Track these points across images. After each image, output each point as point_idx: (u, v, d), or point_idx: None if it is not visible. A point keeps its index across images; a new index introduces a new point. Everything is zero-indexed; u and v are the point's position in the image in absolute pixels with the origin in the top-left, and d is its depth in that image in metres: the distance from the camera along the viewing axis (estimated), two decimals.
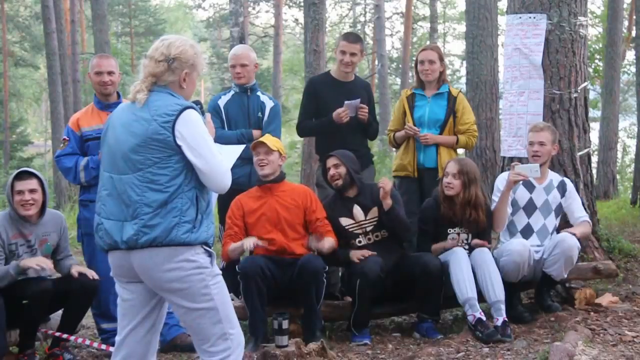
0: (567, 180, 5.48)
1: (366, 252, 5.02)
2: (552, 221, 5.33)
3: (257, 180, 5.05)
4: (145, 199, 3.07)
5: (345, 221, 5.15)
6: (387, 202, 5.01)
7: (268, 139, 5.01)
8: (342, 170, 5.13)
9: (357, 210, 5.15)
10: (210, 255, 3.17)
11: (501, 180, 5.32)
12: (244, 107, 5.54)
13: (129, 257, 3.14)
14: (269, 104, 5.57)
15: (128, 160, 3.11)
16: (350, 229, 5.15)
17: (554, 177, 5.42)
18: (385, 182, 5.02)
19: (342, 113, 5.47)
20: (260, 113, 5.52)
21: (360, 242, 5.14)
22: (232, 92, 5.61)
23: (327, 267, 4.93)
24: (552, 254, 5.07)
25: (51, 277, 4.78)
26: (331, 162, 5.18)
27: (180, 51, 3.19)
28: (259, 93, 5.62)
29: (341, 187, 5.15)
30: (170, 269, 3.08)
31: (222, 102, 5.54)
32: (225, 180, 3.15)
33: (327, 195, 5.51)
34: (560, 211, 5.38)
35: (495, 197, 5.29)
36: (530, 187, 5.30)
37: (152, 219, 3.06)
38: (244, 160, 5.33)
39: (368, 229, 5.14)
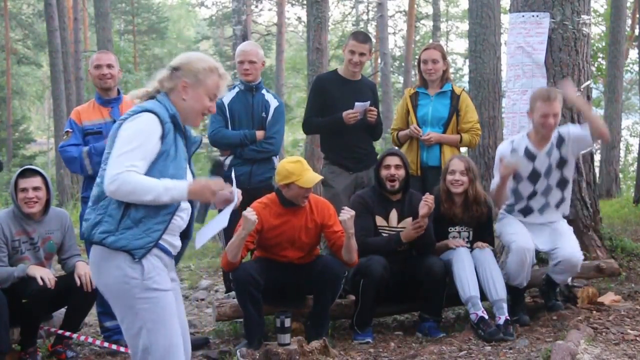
0: (563, 130, 5.13)
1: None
2: (555, 177, 5.14)
3: (284, 201, 4.80)
4: (92, 192, 3.09)
5: (379, 220, 5.14)
6: (425, 221, 4.95)
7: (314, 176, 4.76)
8: (402, 173, 5.10)
9: (394, 215, 5.14)
10: (142, 265, 2.96)
11: (500, 153, 5.16)
12: (248, 106, 5.50)
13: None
14: (273, 104, 5.53)
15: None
16: (381, 230, 5.14)
17: (554, 137, 5.15)
18: (432, 200, 4.93)
19: (352, 114, 5.47)
20: (264, 113, 5.48)
21: None
22: (236, 90, 5.55)
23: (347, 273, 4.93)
24: (559, 266, 5.06)
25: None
26: (394, 161, 5.10)
27: (187, 62, 3.12)
28: (264, 91, 5.59)
29: (394, 190, 5.11)
30: (98, 270, 3.01)
31: (226, 100, 5.47)
32: (105, 186, 2.90)
33: (334, 195, 5.51)
34: (565, 162, 5.13)
35: (496, 172, 5.12)
36: (531, 156, 5.12)
37: (88, 212, 3.05)
38: (245, 160, 5.36)
39: None
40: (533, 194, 5.18)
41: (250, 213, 4.55)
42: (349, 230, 4.64)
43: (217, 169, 3.44)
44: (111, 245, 2.93)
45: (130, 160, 2.89)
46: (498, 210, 5.38)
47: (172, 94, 3.11)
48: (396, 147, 5.45)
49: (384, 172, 5.10)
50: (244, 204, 5.61)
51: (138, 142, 2.92)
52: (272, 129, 5.46)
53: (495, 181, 5.12)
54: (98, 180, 3.03)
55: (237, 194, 3.20)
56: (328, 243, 4.94)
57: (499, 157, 5.09)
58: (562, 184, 5.18)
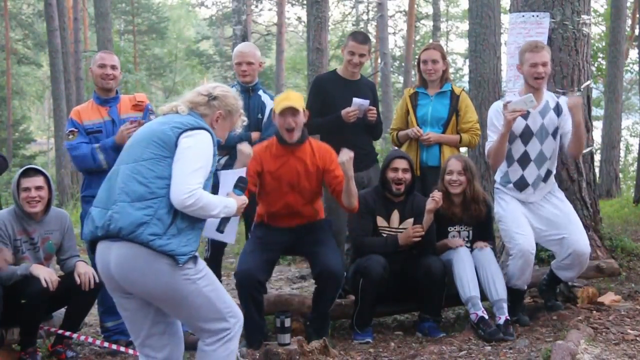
0: (563, 101, 5.06)
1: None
2: (550, 145, 5.04)
3: (280, 139, 4.80)
4: (126, 187, 3.14)
5: (380, 221, 5.14)
6: (430, 217, 4.99)
7: (294, 99, 4.76)
8: (409, 177, 5.09)
9: (395, 216, 5.13)
10: (195, 257, 3.20)
11: (494, 111, 5.08)
12: (245, 107, 5.41)
13: (108, 254, 3.15)
14: (269, 105, 5.52)
15: (130, 152, 3.25)
16: (381, 231, 5.14)
17: (550, 98, 5.09)
18: (440, 197, 4.96)
19: (352, 112, 5.47)
20: (260, 114, 5.51)
21: None
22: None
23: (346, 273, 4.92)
24: (567, 260, 5.04)
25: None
26: (402, 164, 5.09)
27: (224, 95, 3.41)
28: (260, 92, 5.61)
29: (398, 194, 5.10)
30: (145, 271, 3.09)
31: None
32: (181, 199, 3.07)
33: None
34: (557, 132, 5.05)
35: (491, 132, 5.05)
36: (525, 113, 4.99)
37: (125, 207, 3.09)
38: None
39: None
40: (526, 159, 5.03)
41: (244, 146, 4.52)
42: (347, 173, 4.58)
43: (243, 185, 3.64)
44: (158, 248, 3.06)
45: (200, 178, 3.13)
46: (493, 171, 5.30)
47: (205, 119, 3.34)
48: (402, 150, 5.44)
49: (391, 175, 5.09)
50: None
51: (204, 162, 3.18)
52: (267, 130, 5.46)
53: (491, 140, 5.01)
54: (140, 179, 3.12)
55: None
56: (329, 189, 4.86)
57: (494, 113, 5.03)
58: (554, 157, 5.10)
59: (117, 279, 3.17)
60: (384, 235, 5.11)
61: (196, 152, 3.16)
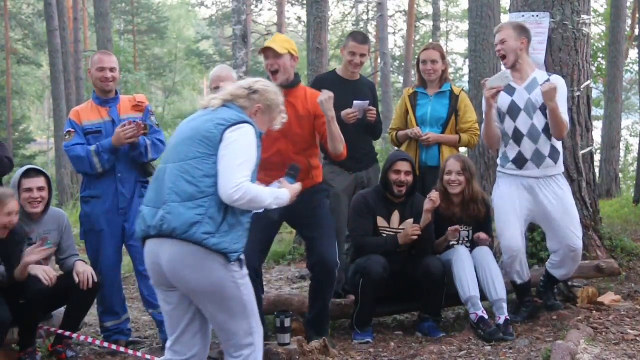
0: (555, 78, 5.04)
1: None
2: (541, 120, 4.95)
3: (269, 79, 4.70)
4: (176, 187, 3.19)
5: (380, 221, 5.13)
6: (428, 217, 4.99)
7: (275, 41, 4.73)
8: (411, 179, 5.08)
9: (396, 216, 5.13)
10: (241, 260, 3.27)
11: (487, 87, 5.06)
12: None
13: (159, 250, 3.22)
14: None
15: (176, 150, 3.29)
16: (382, 231, 5.14)
17: (539, 75, 5.04)
18: (437, 198, 4.97)
19: (351, 114, 5.47)
20: None
21: None
22: None
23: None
24: (556, 258, 5.05)
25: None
26: (405, 167, 5.07)
27: (265, 89, 3.45)
28: None
29: (400, 195, 5.09)
30: (196, 268, 3.16)
31: None
32: (228, 193, 3.13)
33: (335, 194, 5.51)
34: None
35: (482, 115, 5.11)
36: (510, 90, 5.01)
37: (177, 207, 3.15)
38: None
39: None
40: (519, 135, 4.98)
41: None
42: (328, 113, 4.53)
43: (294, 173, 3.70)
44: (212, 246, 3.13)
45: (246, 171, 3.18)
46: (495, 154, 5.29)
47: (244, 111, 3.38)
48: (403, 151, 5.43)
49: (393, 177, 5.07)
50: None
51: (249, 154, 3.23)
52: None
53: (484, 124, 5.05)
54: (189, 178, 3.17)
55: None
56: (319, 137, 4.81)
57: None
58: (548, 134, 4.99)
59: (168, 275, 3.23)
60: (384, 235, 5.11)
61: (240, 146, 3.21)
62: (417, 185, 5.29)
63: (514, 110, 4.98)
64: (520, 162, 5.01)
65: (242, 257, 3.29)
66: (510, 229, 4.99)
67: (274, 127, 3.56)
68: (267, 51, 4.69)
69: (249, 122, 3.29)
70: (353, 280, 5.01)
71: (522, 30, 5.05)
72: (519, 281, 5.15)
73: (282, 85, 4.56)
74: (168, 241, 3.17)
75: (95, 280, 4.77)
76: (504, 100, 4.99)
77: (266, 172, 4.70)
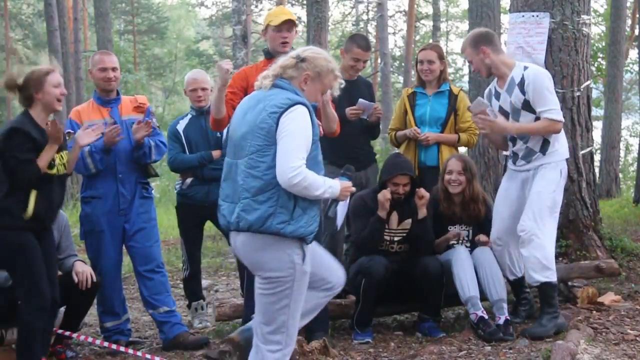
0: (529, 73, 4.80)
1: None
2: (528, 119, 4.81)
3: (268, 54, 4.77)
4: (245, 184, 3.30)
5: None
6: (423, 211, 5.00)
7: (287, 13, 4.80)
8: (408, 189, 5.05)
9: (394, 217, 5.11)
10: (304, 253, 3.34)
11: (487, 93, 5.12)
12: (202, 129, 5.68)
13: (236, 242, 3.41)
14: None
15: (239, 146, 3.38)
16: None
17: (516, 73, 4.84)
18: (424, 192, 4.99)
19: (354, 111, 5.45)
20: (218, 133, 5.60)
21: (381, 247, 5.10)
22: (189, 116, 5.79)
23: None
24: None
25: None
26: (404, 180, 5.00)
27: (313, 56, 3.46)
28: None
29: (398, 202, 5.06)
30: (265, 256, 3.30)
31: (180, 127, 5.72)
32: (287, 177, 3.20)
33: None
34: (529, 104, 4.81)
35: None
36: (496, 95, 4.99)
37: (249, 204, 3.28)
38: (204, 180, 5.57)
39: (395, 238, 5.11)
40: (512, 137, 4.96)
41: (224, 62, 4.55)
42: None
43: (348, 172, 3.74)
44: (290, 234, 3.26)
45: (302, 153, 3.24)
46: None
47: (293, 82, 3.42)
48: (405, 160, 5.34)
49: (391, 187, 5.01)
50: (201, 220, 5.80)
51: (303, 137, 3.27)
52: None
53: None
54: (255, 172, 3.27)
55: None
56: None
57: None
58: None
59: (246, 262, 3.44)
60: (385, 237, 5.09)
61: (294, 130, 3.25)
62: (416, 186, 5.29)
63: (504, 114, 4.95)
64: (513, 157, 5.00)
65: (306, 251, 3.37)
66: (497, 222, 5.03)
67: (333, 92, 3.58)
68: (287, 23, 4.74)
69: (301, 102, 3.32)
70: (354, 280, 5.00)
71: (478, 40, 4.93)
72: (510, 277, 5.14)
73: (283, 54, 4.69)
74: (246, 234, 3.32)
75: (94, 280, 4.77)
76: (494, 105, 4.99)
77: None
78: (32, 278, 4.23)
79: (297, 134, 3.25)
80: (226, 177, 3.46)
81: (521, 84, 4.80)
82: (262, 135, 3.28)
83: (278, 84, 3.41)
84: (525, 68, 4.86)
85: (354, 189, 3.64)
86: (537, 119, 4.79)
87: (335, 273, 3.70)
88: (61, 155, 4.39)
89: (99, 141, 4.88)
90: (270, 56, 4.75)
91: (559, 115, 4.80)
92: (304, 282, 3.41)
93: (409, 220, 5.07)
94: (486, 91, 5.14)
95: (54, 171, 4.30)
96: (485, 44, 4.90)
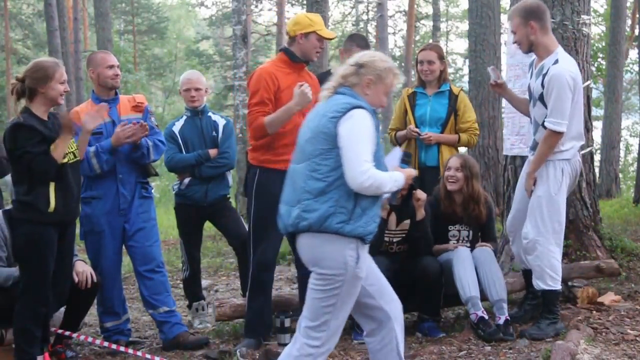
0: (553, 68, 4.66)
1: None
2: (539, 111, 4.75)
3: (293, 57, 4.84)
4: (307, 186, 3.36)
5: None
6: (421, 212, 5.00)
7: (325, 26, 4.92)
8: (405, 192, 5.04)
9: (393, 218, 5.11)
10: (358, 256, 3.35)
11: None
12: (198, 128, 5.75)
13: (297, 242, 3.44)
14: (221, 122, 5.82)
15: (303, 151, 3.45)
16: None
17: (547, 63, 4.73)
18: (421, 194, 4.99)
19: None
20: (214, 132, 5.73)
21: (381, 248, 5.07)
22: (184, 117, 5.84)
23: None
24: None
25: None
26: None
27: (371, 61, 3.51)
28: (210, 114, 5.87)
29: (397, 206, 5.06)
30: (321, 254, 3.34)
31: (176, 128, 5.78)
32: (358, 182, 3.25)
33: None
34: (542, 97, 4.71)
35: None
36: (531, 72, 4.89)
37: (310, 204, 3.33)
38: (202, 179, 5.61)
39: (395, 239, 5.12)
40: (530, 121, 4.93)
41: (307, 88, 4.60)
42: None
43: (406, 158, 3.81)
44: (348, 233, 3.31)
45: (368, 156, 3.29)
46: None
47: (355, 88, 3.48)
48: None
49: None
50: (200, 221, 5.85)
51: (366, 140, 3.33)
52: (225, 144, 5.72)
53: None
54: (317, 175, 3.34)
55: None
56: None
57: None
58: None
59: (306, 263, 3.46)
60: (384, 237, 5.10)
61: (357, 133, 3.31)
62: (416, 186, 5.29)
63: (529, 94, 4.90)
64: (532, 147, 4.93)
65: (363, 252, 3.39)
66: (511, 211, 5.10)
67: (390, 89, 3.63)
68: (328, 37, 4.88)
69: (360, 106, 3.37)
70: None
71: (529, 13, 4.76)
72: (522, 266, 5.15)
73: (303, 60, 4.85)
74: (306, 234, 3.37)
75: (95, 280, 4.77)
76: (525, 81, 4.98)
77: (277, 155, 4.76)
78: (37, 277, 4.29)
79: (360, 137, 3.31)
80: (288, 181, 3.53)
81: (544, 76, 4.71)
82: (324, 139, 3.35)
83: (338, 92, 3.49)
84: (556, 62, 4.71)
85: (415, 172, 3.71)
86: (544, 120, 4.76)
87: (391, 301, 3.61)
88: (69, 145, 4.43)
89: (106, 142, 4.89)
90: (295, 59, 4.81)
91: (558, 127, 4.64)
92: (355, 287, 3.41)
93: (408, 221, 5.07)
94: (529, 61, 5.02)
95: (65, 160, 4.34)
96: (536, 19, 4.75)
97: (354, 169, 3.26)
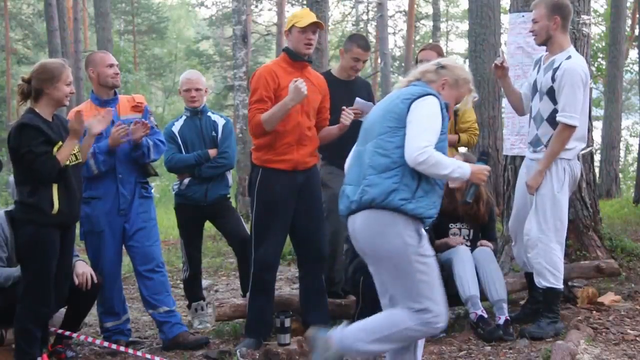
0: (566, 63, 4.68)
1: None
2: (546, 107, 4.75)
3: (292, 55, 4.82)
4: (372, 162, 3.41)
5: None
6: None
7: (314, 17, 4.87)
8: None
9: None
10: (420, 235, 3.36)
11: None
12: (198, 129, 5.75)
13: (356, 221, 3.43)
14: (220, 122, 5.81)
15: (371, 131, 3.50)
16: None
17: (558, 58, 4.75)
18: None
19: (355, 111, 5.39)
20: (214, 132, 5.73)
21: None
22: (184, 117, 5.84)
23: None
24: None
25: None
26: None
27: (453, 65, 3.65)
28: (209, 114, 5.86)
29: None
30: (380, 231, 3.34)
31: (175, 129, 5.78)
32: (413, 156, 3.26)
33: (332, 195, 5.50)
34: (553, 93, 4.71)
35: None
36: (538, 67, 4.91)
37: (374, 179, 3.36)
38: (201, 179, 5.61)
39: None
40: (530, 116, 4.94)
41: (302, 83, 4.60)
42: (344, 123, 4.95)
43: (484, 157, 3.96)
44: (410, 211, 3.32)
45: (430, 137, 3.32)
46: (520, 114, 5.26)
47: (431, 85, 3.56)
48: None
49: None
50: (200, 221, 5.87)
51: (432, 123, 3.36)
52: (224, 144, 5.72)
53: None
54: (382, 151, 3.38)
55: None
56: (316, 117, 4.99)
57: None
58: (552, 121, 4.76)
59: (361, 244, 3.46)
60: None
61: (424, 114, 3.36)
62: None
63: (534, 89, 4.89)
64: (530, 144, 4.94)
65: (424, 232, 3.40)
66: (512, 214, 5.13)
67: (467, 105, 3.79)
68: (315, 26, 4.81)
69: (434, 94, 3.44)
70: (353, 279, 5.00)
71: (557, 8, 4.79)
72: (524, 270, 5.15)
73: (306, 58, 4.84)
74: (366, 212, 3.37)
75: (95, 281, 4.77)
76: (532, 77, 4.96)
77: (278, 155, 4.78)
78: (39, 278, 4.29)
79: (426, 119, 3.35)
80: (352, 163, 3.57)
81: (555, 70, 4.73)
82: (393, 118, 3.40)
83: (414, 84, 3.56)
84: (569, 57, 4.74)
85: (489, 169, 3.66)
86: (556, 111, 4.72)
87: (441, 302, 3.49)
88: None
89: (103, 142, 4.89)
90: (294, 56, 4.82)
91: (572, 120, 4.65)
92: (429, 262, 3.39)
93: None
94: (536, 57, 5.06)
95: (67, 162, 4.34)
96: (561, 16, 4.79)
97: (412, 142, 3.30)
